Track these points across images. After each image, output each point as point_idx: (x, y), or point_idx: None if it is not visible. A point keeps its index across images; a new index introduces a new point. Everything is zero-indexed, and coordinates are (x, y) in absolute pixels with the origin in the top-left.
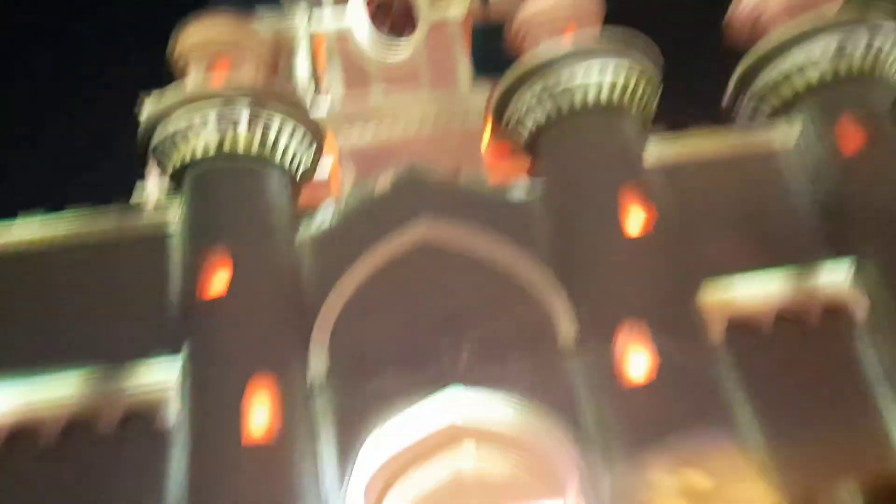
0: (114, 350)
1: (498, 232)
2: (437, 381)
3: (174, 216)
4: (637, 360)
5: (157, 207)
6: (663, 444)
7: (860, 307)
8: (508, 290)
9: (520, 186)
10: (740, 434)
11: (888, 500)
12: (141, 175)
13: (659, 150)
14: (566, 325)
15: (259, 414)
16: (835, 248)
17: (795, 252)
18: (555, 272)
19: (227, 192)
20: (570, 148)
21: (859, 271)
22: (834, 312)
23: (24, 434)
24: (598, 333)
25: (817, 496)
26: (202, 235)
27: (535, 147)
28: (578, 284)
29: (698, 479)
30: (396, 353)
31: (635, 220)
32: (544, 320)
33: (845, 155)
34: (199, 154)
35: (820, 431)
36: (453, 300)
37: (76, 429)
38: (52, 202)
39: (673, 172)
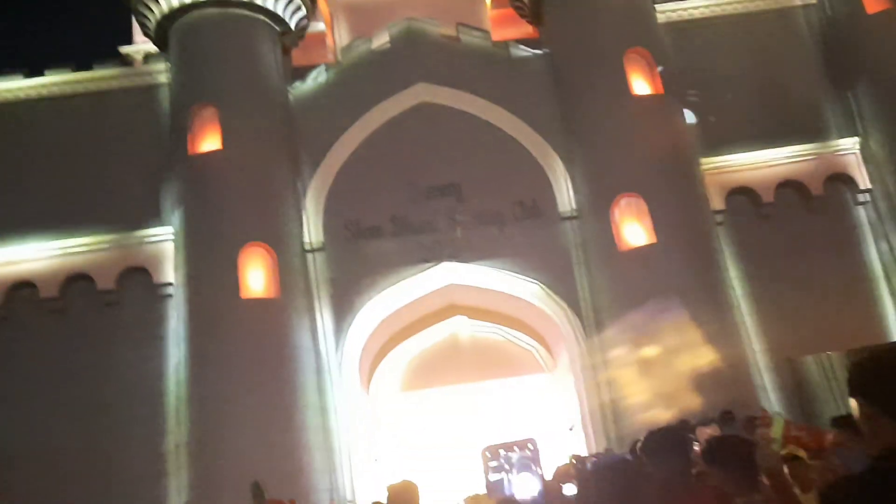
0: (107, 212)
1: (499, 94)
2: (433, 253)
3: (163, 71)
4: (634, 227)
5: (147, 59)
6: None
7: (864, 180)
8: (508, 156)
9: (523, 48)
10: (730, 300)
11: (874, 372)
12: (123, 41)
13: (669, 12)
14: (565, 194)
15: (255, 273)
16: (843, 126)
17: (803, 128)
18: (556, 138)
19: (215, 47)
20: (575, 8)
21: (866, 149)
22: (837, 184)
23: (25, 286)
24: (598, 201)
25: (803, 365)
26: (190, 93)
27: (538, 12)
28: (579, 150)
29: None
30: (392, 222)
31: (641, 85)
32: (543, 189)
33: (868, 13)
34: (182, 3)
35: (811, 302)
36: (452, 166)
37: (76, 284)
38: (28, 68)
39: (683, 35)
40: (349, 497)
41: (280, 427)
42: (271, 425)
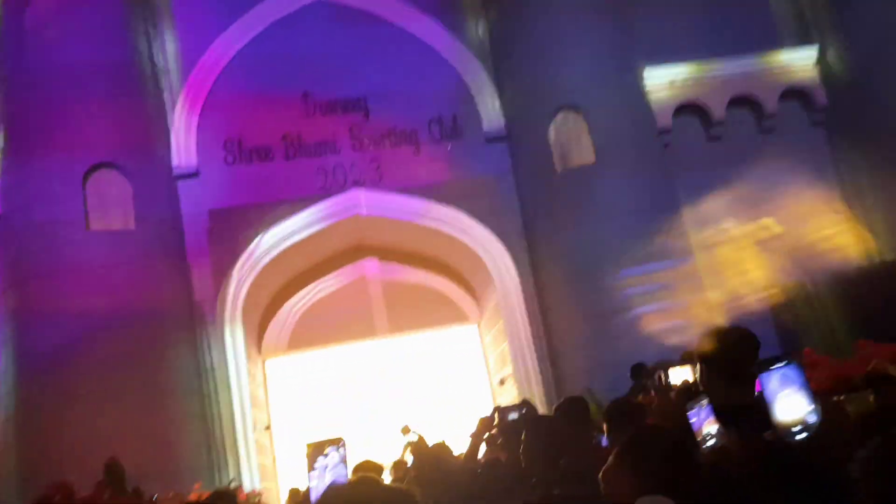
0: None
1: None
2: (335, 179)
3: None
4: (572, 145)
5: None
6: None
7: (821, 96)
8: (422, 66)
9: None
10: (682, 229)
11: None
12: None
13: None
14: (492, 111)
15: (108, 200)
16: (798, 33)
17: (755, 36)
18: (480, 46)
19: None
20: None
21: (823, 60)
22: (792, 102)
23: None
24: (531, 118)
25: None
26: None
27: None
28: (508, 60)
29: None
30: (284, 142)
31: None
32: (465, 105)
33: None
34: None
35: None
36: (355, 77)
37: None
38: None
39: None
40: (233, 475)
41: (138, 391)
42: (126, 389)
